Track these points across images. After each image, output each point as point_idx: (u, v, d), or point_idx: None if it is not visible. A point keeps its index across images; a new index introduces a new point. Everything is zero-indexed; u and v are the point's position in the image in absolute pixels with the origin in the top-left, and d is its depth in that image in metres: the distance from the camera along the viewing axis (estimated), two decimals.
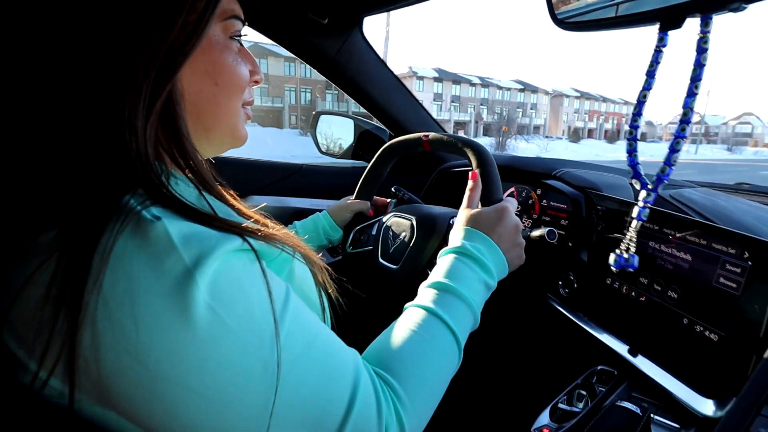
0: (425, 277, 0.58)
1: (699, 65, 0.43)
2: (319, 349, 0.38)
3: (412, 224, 0.81)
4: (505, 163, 1.03)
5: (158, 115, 0.35)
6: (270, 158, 1.38)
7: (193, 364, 0.31)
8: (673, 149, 0.48)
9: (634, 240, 0.58)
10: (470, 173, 0.72)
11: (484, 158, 0.73)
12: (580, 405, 0.65)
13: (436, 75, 50.21)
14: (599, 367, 0.70)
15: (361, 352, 0.45)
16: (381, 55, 1.23)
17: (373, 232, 0.89)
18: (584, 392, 0.66)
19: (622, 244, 0.58)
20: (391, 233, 0.84)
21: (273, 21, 1.08)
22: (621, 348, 0.67)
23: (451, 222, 0.80)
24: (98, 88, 0.33)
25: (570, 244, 0.83)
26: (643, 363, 0.63)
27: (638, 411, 0.57)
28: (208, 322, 0.31)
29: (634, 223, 0.57)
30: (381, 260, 0.84)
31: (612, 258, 0.57)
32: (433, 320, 0.51)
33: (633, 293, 0.69)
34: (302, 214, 0.95)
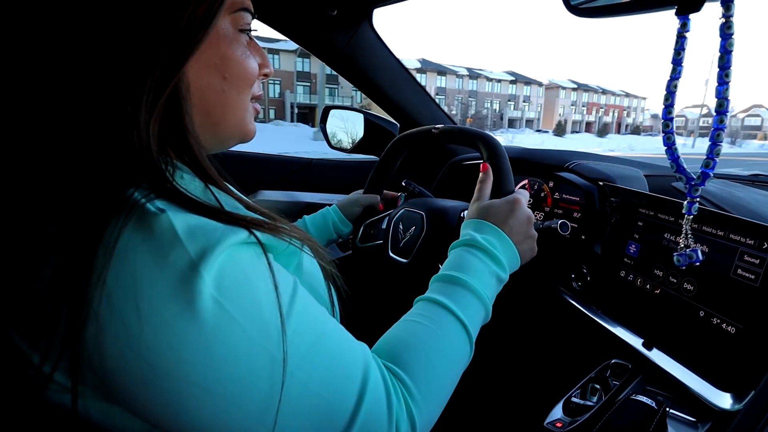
0: (436, 270, 0.58)
1: (726, 52, 0.41)
2: (327, 343, 0.38)
3: (422, 218, 0.80)
4: (516, 156, 1.02)
5: (162, 109, 0.35)
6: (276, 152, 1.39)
7: (198, 359, 0.30)
8: (715, 142, 0.47)
9: (690, 234, 0.56)
10: (481, 165, 0.71)
11: (496, 150, 0.73)
12: (594, 399, 0.64)
13: (419, 66, 48.93)
14: (613, 361, 0.69)
15: (370, 347, 0.45)
16: None
17: (383, 226, 0.88)
18: (598, 386, 0.65)
19: (679, 240, 0.57)
20: (401, 227, 0.84)
21: (281, 13, 1.07)
22: (635, 341, 0.66)
23: (462, 215, 0.80)
24: (102, 81, 0.32)
25: (583, 236, 0.82)
26: (658, 356, 0.62)
27: (653, 405, 0.56)
28: (214, 316, 0.30)
29: (685, 218, 0.55)
30: (391, 254, 0.83)
31: (675, 259, 0.56)
32: (443, 313, 0.50)
33: (648, 286, 0.68)
34: (312, 208, 0.95)
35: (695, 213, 0.54)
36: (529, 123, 60.78)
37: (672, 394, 0.60)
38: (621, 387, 0.64)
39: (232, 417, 0.32)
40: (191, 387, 0.30)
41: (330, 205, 0.93)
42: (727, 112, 0.46)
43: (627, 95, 74.16)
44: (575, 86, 67.58)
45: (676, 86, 0.49)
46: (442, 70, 51.15)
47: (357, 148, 1.36)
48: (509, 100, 60.08)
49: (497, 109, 58.83)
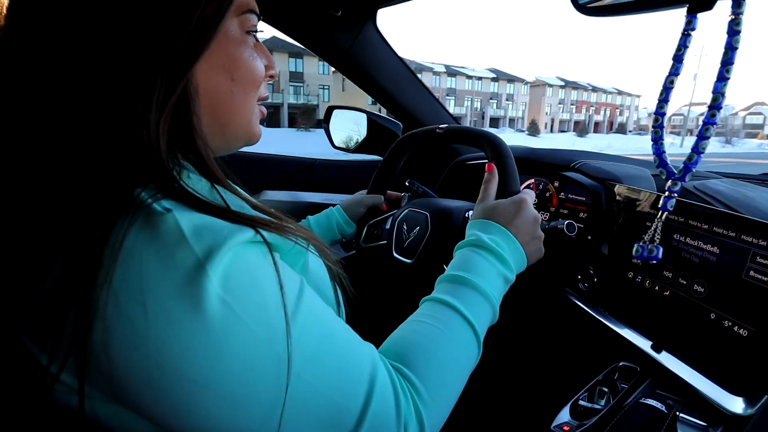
0: (441, 271, 0.57)
1: (731, 48, 0.41)
2: (334, 343, 0.37)
3: (426, 218, 0.80)
4: (521, 155, 1.01)
5: (172, 110, 0.35)
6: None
7: (204, 359, 0.30)
8: (702, 136, 0.46)
9: (659, 231, 0.56)
10: (486, 165, 0.71)
11: (501, 150, 0.72)
12: (602, 402, 0.64)
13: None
14: (621, 363, 0.68)
15: (376, 347, 0.45)
16: None
17: (387, 227, 0.88)
18: (606, 389, 0.64)
19: (645, 235, 0.56)
20: (405, 227, 0.83)
21: (286, 14, 1.07)
22: (644, 344, 0.65)
23: (466, 215, 0.79)
24: (112, 81, 0.33)
25: (589, 237, 0.81)
26: (667, 359, 0.61)
27: (663, 408, 0.55)
28: (220, 316, 0.30)
29: (660, 213, 0.55)
30: (396, 254, 0.83)
31: (634, 249, 0.55)
32: (451, 313, 0.50)
33: (657, 288, 0.67)
34: (316, 208, 0.94)
35: (671, 209, 0.54)
36: (513, 122, 58.83)
37: (682, 397, 0.59)
38: (629, 390, 0.63)
39: (238, 417, 0.32)
40: (197, 387, 0.31)
41: (333, 205, 0.93)
42: (721, 107, 0.46)
43: (620, 93, 72.13)
44: (563, 84, 65.28)
45: (673, 82, 0.49)
46: (417, 68, 49.64)
47: (360, 148, 1.36)
48: (491, 98, 58.17)
49: (478, 107, 56.98)
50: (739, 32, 0.41)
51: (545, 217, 0.95)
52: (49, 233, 0.31)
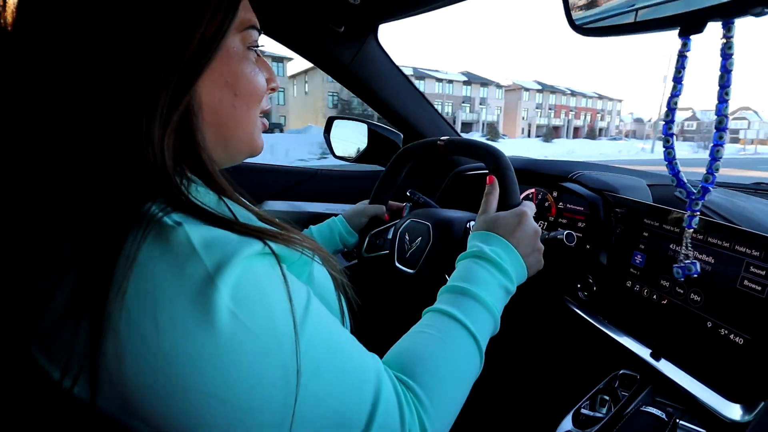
0: (443, 281, 0.59)
1: (726, 71, 0.43)
2: (341, 354, 0.38)
3: (428, 229, 0.81)
4: (520, 166, 1.02)
5: (176, 126, 0.35)
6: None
7: (214, 371, 0.31)
8: (714, 158, 0.48)
9: (690, 247, 0.58)
10: (487, 178, 0.72)
11: (501, 162, 0.74)
12: (603, 410, 0.65)
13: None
14: (621, 372, 0.70)
15: (380, 357, 0.45)
16: None
17: (389, 237, 0.89)
18: (607, 397, 0.65)
19: (679, 255, 0.59)
20: (407, 237, 0.85)
21: (290, 30, 1.09)
22: (643, 352, 0.67)
23: (467, 226, 0.80)
24: (117, 99, 0.33)
25: (588, 246, 0.83)
26: (666, 367, 0.62)
27: (663, 416, 0.56)
28: (230, 328, 0.31)
29: (686, 232, 0.57)
30: (398, 264, 0.84)
31: (674, 271, 0.58)
32: (453, 324, 0.50)
33: (654, 296, 0.69)
34: (317, 218, 0.95)
35: (695, 227, 0.55)
36: (488, 127, 55.25)
37: (682, 405, 0.60)
38: (630, 398, 0.64)
39: (247, 429, 0.32)
40: (207, 399, 0.31)
41: (335, 215, 0.94)
42: (726, 128, 0.48)
43: (600, 97, 70.21)
44: (540, 88, 63.23)
45: (676, 103, 0.51)
46: None
47: (361, 158, 1.38)
48: (463, 102, 56.16)
49: (450, 111, 54.66)
50: (731, 55, 0.43)
51: (544, 227, 0.97)
52: (61, 248, 0.32)
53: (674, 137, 0.53)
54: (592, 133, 64.98)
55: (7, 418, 0.32)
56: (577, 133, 63.42)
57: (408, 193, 1.02)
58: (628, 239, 0.76)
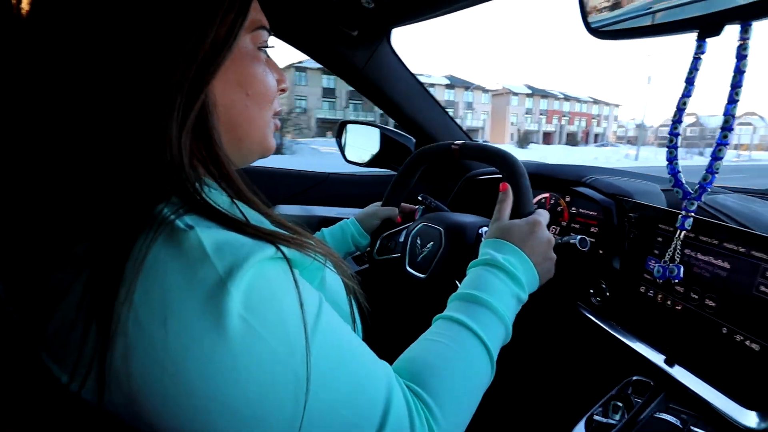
0: (454, 287, 0.58)
1: (739, 72, 0.43)
2: (351, 361, 0.38)
3: (440, 233, 0.81)
4: (532, 170, 1.02)
5: (192, 125, 0.35)
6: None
7: (224, 376, 0.30)
8: (716, 157, 0.48)
9: (678, 249, 0.57)
10: (501, 185, 0.72)
11: (515, 169, 0.73)
12: (617, 417, 0.64)
13: (321, 66, 44.35)
14: (634, 378, 0.69)
15: (389, 363, 0.45)
16: None
17: (401, 240, 0.89)
18: (620, 403, 0.64)
19: (666, 254, 0.58)
20: (419, 241, 0.85)
21: (305, 34, 1.10)
22: (657, 358, 0.66)
23: (480, 232, 0.80)
24: (134, 99, 0.33)
25: (601, 251, 0.82)
26: (680, 373, 0.62)
27: (678, 423, 0.56)
28: (241, 334, 0.30)
29: (678, 233, 0.56)
30: (409, 268, 0.84)
31: (655, 269, 0.57)
32: (464, 332, 0.50)
33: (669, 302, 0.68)
34: (328, 222, 0.96)
35: (688, 228, 0.55)
36: (475, 133, 51.90)
37: (696, 411, 0.59)
38: (644, 405, 0.63)
39: None
40: (216, 405, 0.30)
41: (346, 218, 0.94)
42: (732, 128, 0.47)
43: (596, 102, 67.01)
44: (530, 92, 59.39)
45: (685, 104, 0.51)
46: None
47: (373, 162, 1.38)
48: (447, 107, 55.48)
49: None
50: (746, 56, 0.43)
51: (556, 232, 0.96)
52: (74, 247, 0.32)
53: (679, 137, 0.52)
54: (573, 139, 61.82)
55: (16, 419, 0.33)
56: (569, 138, 60.36)
57: (419, 198, 1.02)
58: (641, 244, 0.75)
